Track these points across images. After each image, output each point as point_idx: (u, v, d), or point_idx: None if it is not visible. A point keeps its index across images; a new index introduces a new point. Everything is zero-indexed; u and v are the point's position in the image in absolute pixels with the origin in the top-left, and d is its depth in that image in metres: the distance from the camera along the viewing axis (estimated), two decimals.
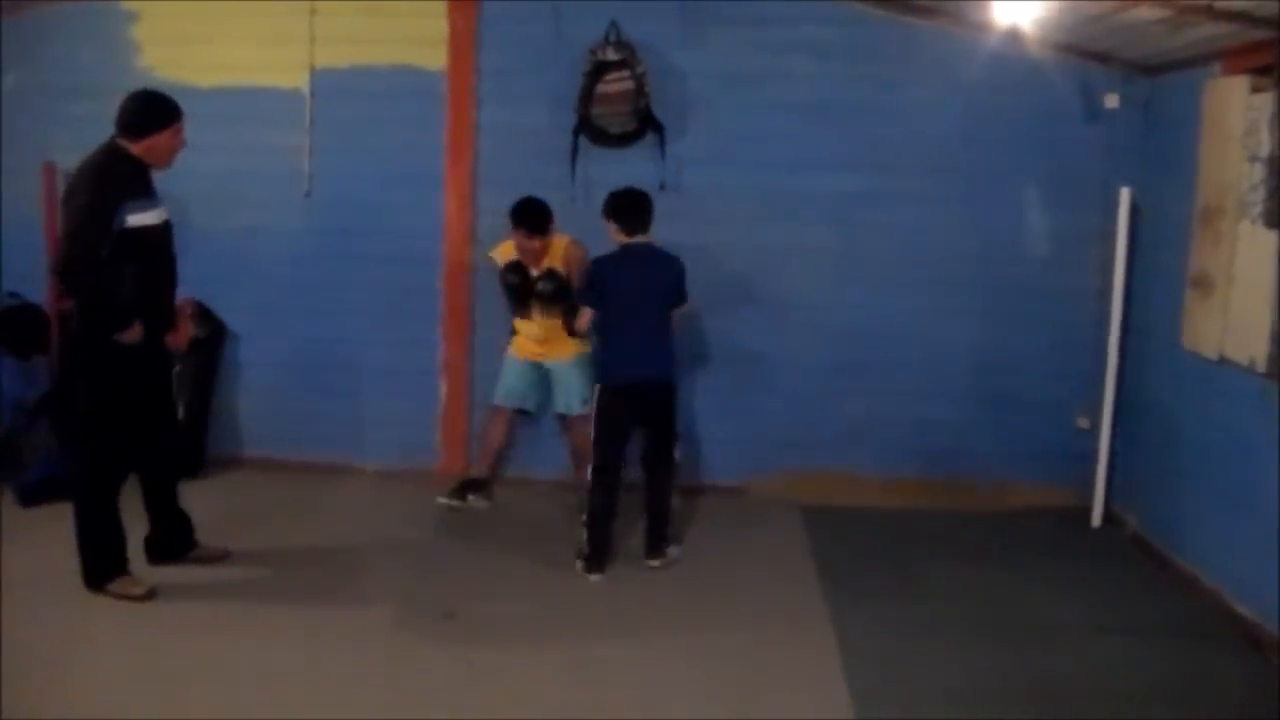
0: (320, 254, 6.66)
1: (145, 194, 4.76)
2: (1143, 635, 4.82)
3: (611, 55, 6.13)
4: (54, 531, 5.00)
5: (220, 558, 5.25)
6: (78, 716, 3.91)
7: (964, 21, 6.00)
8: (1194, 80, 5.45)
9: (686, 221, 6.29)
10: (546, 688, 4.25)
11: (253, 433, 6.83)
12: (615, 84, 6.13)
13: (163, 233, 4.86)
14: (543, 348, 6.09)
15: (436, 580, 5.26)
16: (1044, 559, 5.73)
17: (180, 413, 6.23)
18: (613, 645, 4.63)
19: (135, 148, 4.74)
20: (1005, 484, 6.44)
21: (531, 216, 5.88)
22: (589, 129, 6.26)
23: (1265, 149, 4.70)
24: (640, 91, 6.15)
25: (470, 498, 6.21)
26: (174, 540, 5.18)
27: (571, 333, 5.80)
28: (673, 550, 5.60)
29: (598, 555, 5.38)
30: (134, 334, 4.68)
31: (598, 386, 5.47)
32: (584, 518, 5.42)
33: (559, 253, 5.98)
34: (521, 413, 6.35)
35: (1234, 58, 5.05)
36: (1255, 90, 4.85)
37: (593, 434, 5.43)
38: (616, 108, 6.16)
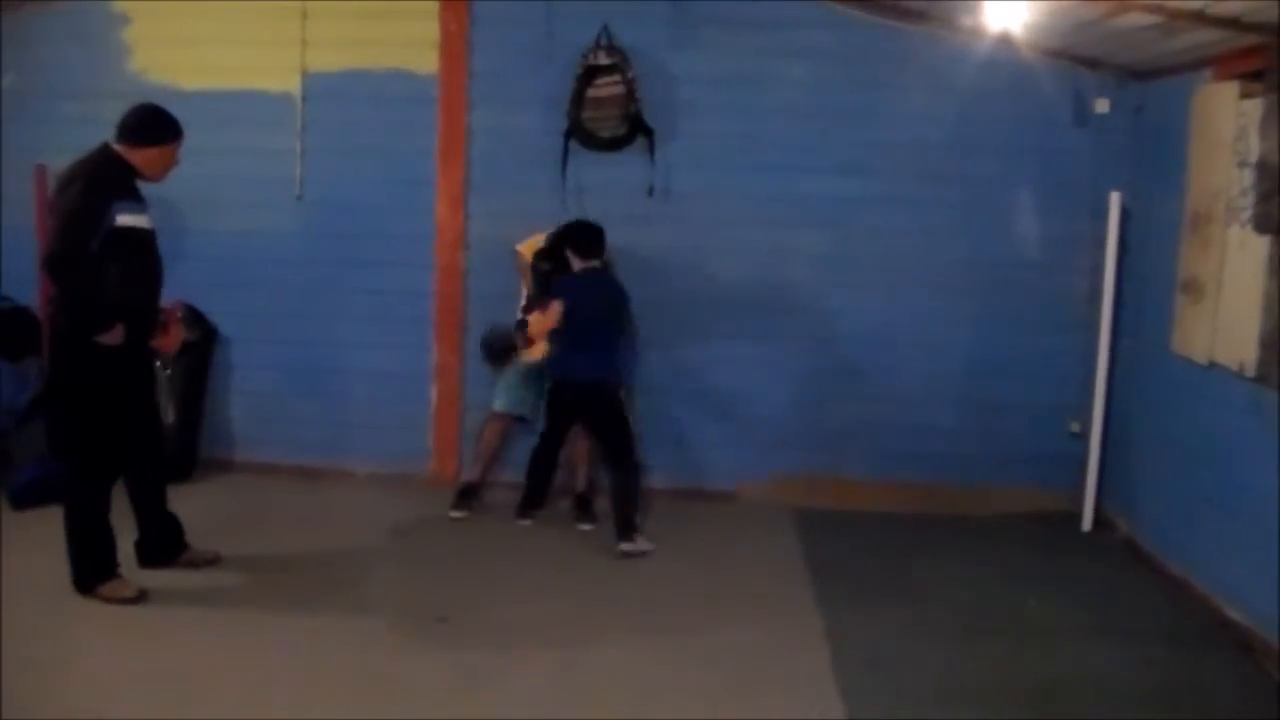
0: (312, 257, 6.66)
1: (134, 198, 4.78)
2: (1133, 639, 4.83)
3: (603, 59, 6.15)
4: (45, 534, 4.98)
5: (211, 561, 5.24)
6: (69, 719, 3.89)
7: (956, 27, 6.02)
8: (1184, 86, 5.47)
9: (676, 226, 6.33)
10: (540, 691, 4.24)
11: (244, 436, 6.82)
12: (606, 88, 6.14)
13: (150, 238, 4.87)
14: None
15: (429, 584, 5.25)
16: (1035, 563, 5.74)
17: (171, 416, 6.25)
18: (605, 648, 4.62)
19: (133, 156, 4.77)
20: (996, 488, 6.45)
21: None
22: (580, 133, 6.27)
23: (1255, 154, 4.71)
24: (631, 96, 6.16)
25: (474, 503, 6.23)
26: (164, 544, 5.17)
27: (527, 343, 6.04)
28: (641, 541, 5.69)
29: (526, 503, 6.14)
30: (115, 336, 4.66)
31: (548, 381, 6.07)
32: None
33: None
34: (519, 420, 6.36)
35: (1224, 63, 5.07)
36: (1245, 96, 4.86)
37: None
38: (607, 112, 6.17)
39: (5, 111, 6.68)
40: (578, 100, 6.20)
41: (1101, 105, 6.16)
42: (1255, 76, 4.78)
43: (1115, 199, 6.02)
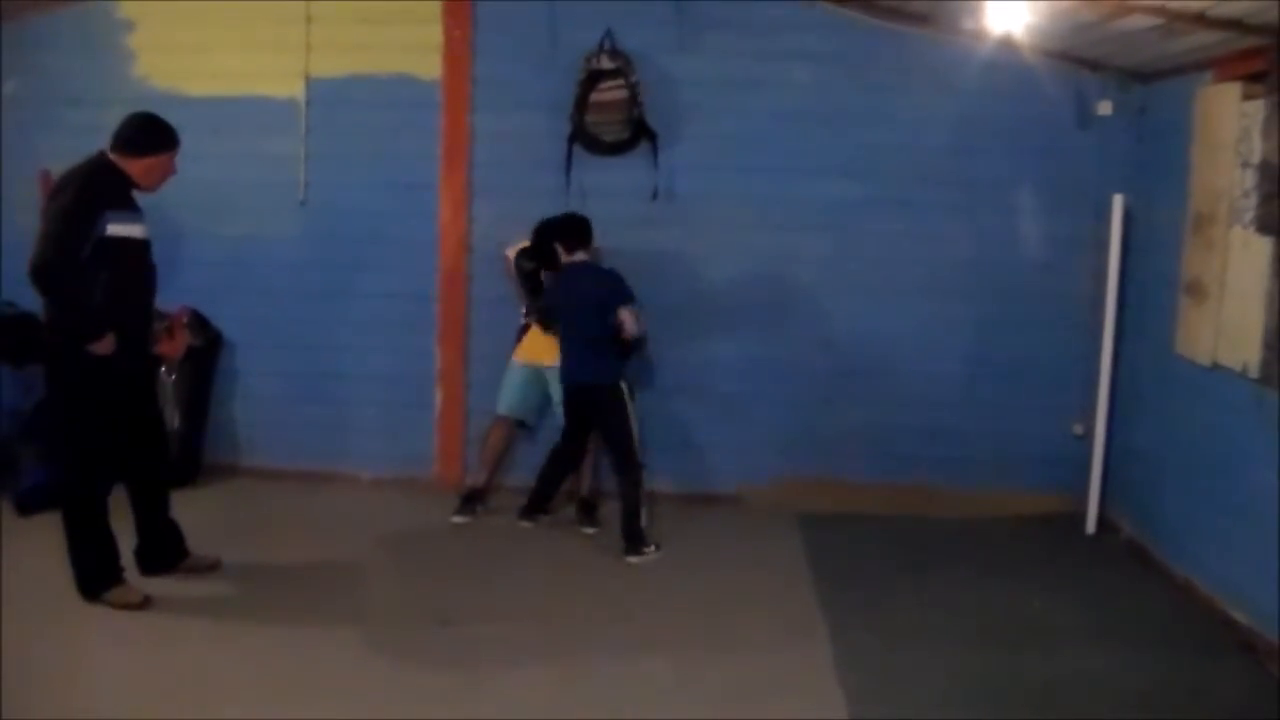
0: (316, 262, 6.66)
1: (128, 207, 4.78)
2: (1137, 641, 4.83)
3: (606, 64, 6.15)
4: (50, 540, 4.98)
5: (213, 567, 5.24)
6: None
7: (958, 29, 6.02)
8: (1186, 87, 5.47)
9: (680, 229, 6.34)
10: (542, 694, 4.24)
11: (249, 441, 6.83)
12: (610, 92, 6.15)
13: (143, 247, 4.86)
14: (548, 351, 6.07)
15: (432, 588, 5.26)
16: (1039, 565, 5.74)
17: (176, 421, 6.26)
18: (608, 651, 4.62)
19: (129, 166, 4.77)
20: (1000, 490, 6.44)
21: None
22: (583, 137, 6.28)
23: (1257, 155, 4.72)
24: (634, 100, 6.17)
25: (479, 508, 6.23)
26: (165, 551, 5.16)
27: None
28: (649, 551, 5.68)
29: (531, 506, 6.12)
30: (105, 345, 4.65)
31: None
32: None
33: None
34: (521, 425, 6.36)
35: (1226, 65, 5.07)
36: (1247, 97, 4.86)
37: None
38: (611, 116, 6.18)
39: (8, 118, 6.69)
40: (581, 104, 6.20)
41: (1104, 107, 6.16)
42: (1257, 78, 4.78)
43: (1118, 201, 6.02)
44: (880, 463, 6.51)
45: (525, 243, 6.10)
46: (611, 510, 6.02)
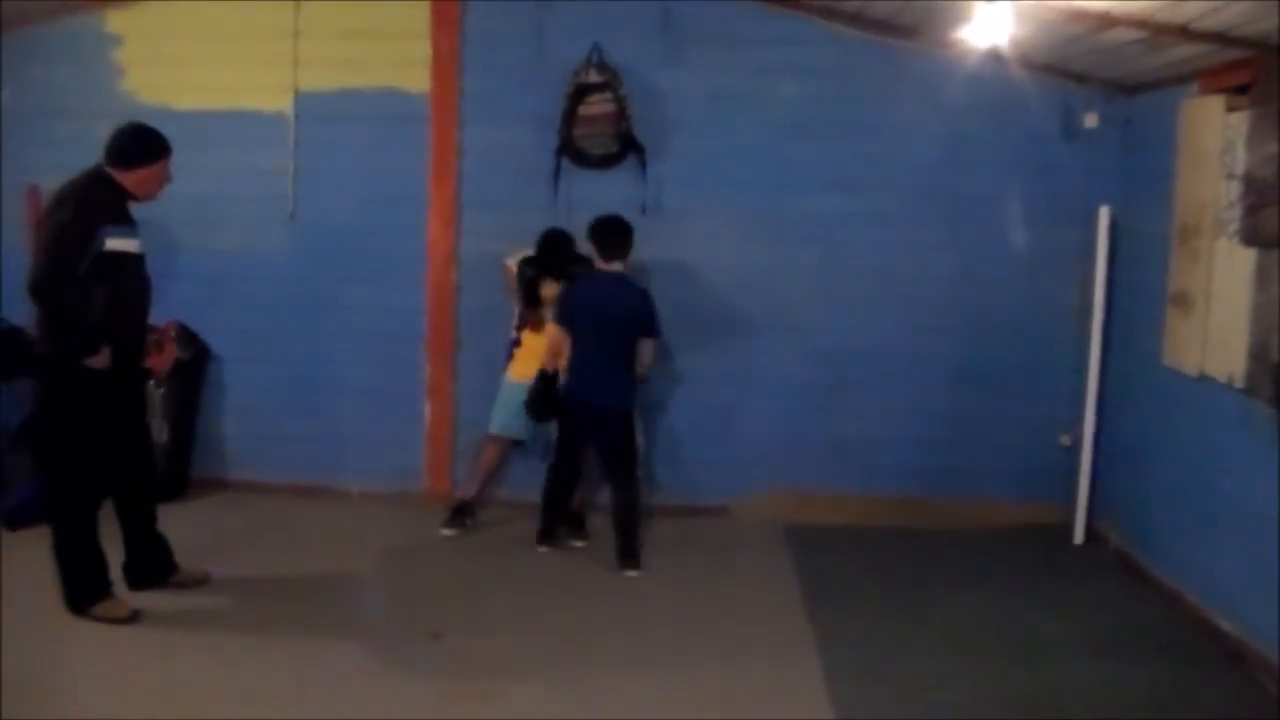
0: (304, 275, 6.66)
1: (125, 221, 4.78)
2: (1125, 651, 4.83)
3: (594, 78, 6.16)
4: (39, 555, 4.96)
5: (201, 581, 5.22)
6: None
7: (944, 43, 6.04)
8: (1171, 99, 5.50)
9: (668, 242, 6.35)
10: (533, 708, 4.24)
11: (237, 455, 6.81)
12: (597, 106, 6.16)
13: (139, 262, 4.86)
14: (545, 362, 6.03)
15: (422, 602, 5.25)
16: (1027, 576, 5.75)
17: (164, 435, 6.24)
18: (599, 663, 4.62)
19: (124, 178, 4.77)
20: (988, 501, 6.46)
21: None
22: (571, 150, 6.29)
23: (1241, 167, 4.74)
24: (622, 114, 6.18)
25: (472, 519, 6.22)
26: (153, 566, 5.14)
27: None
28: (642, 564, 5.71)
29: (545, 531, 5.94)
30: (101, 359, 4.65)
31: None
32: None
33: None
34: (516, 443, 6.36)
35: (1210, 77, 5.10)
36: (1231, 109, 4.89)
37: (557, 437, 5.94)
38: (598, 130, 6.19)
39: (3, 131, 6.68)
40: (569, 118, 6.21)
41: (1090, 119, 6.19)
42: (1241, 90, 4.81)
43: (1104, 212, 6.05)
44: (869, 475, 6.52)
45: (527, 251, 6.10)
46: (597, 522, 6.04)
